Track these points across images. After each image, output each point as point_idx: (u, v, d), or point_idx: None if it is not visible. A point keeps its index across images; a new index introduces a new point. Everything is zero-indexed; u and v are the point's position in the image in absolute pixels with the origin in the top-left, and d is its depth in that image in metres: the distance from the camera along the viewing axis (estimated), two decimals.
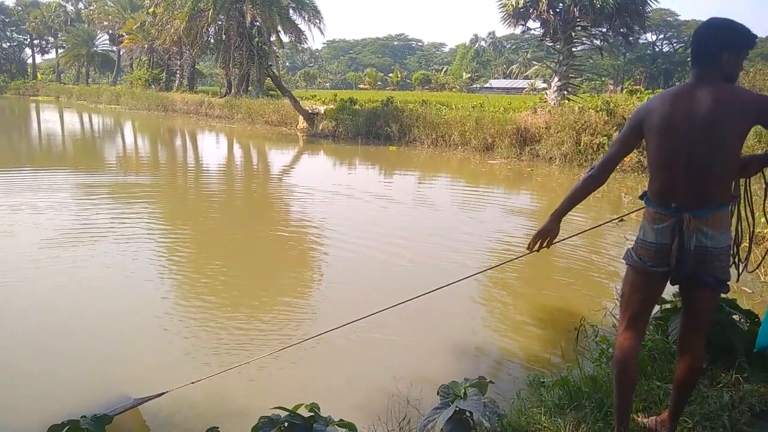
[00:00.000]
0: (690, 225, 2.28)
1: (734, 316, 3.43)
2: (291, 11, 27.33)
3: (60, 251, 7.18)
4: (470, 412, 2.58)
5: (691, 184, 2.28)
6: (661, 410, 2.82)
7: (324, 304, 5.79)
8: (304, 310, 5.65)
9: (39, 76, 72.72)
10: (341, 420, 2.61)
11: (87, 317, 5.29)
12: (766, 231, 6.86)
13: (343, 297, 5.93)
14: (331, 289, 6.21)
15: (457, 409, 2.58)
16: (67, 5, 66.44)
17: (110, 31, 56.09)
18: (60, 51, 66.64)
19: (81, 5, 65.89)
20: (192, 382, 3.11)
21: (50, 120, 33.05)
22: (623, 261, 2.53)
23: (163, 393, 3.41)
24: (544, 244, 2.71)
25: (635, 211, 2.65)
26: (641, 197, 2.49)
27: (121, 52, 54.32)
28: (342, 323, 3.79)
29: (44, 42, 71.53)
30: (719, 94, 2.22)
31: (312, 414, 2.57)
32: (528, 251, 2.75)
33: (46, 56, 77.26)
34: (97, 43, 60.11)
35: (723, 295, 3.48)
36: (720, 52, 2.25)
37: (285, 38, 29.31)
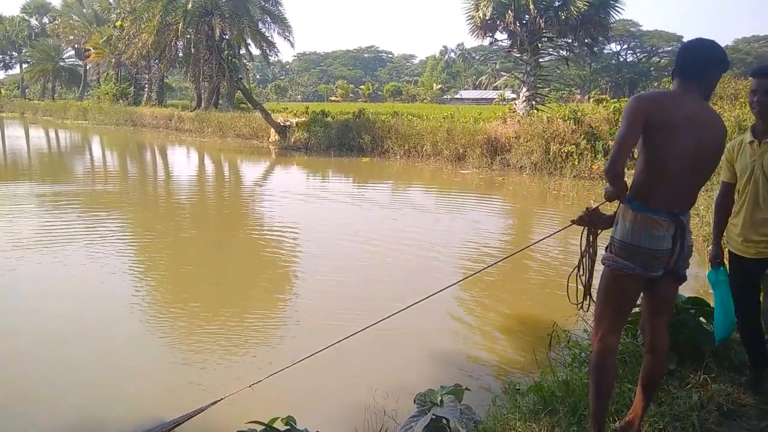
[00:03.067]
0: (686, 227, 2.40)
1: (701, 318, 3.52)
2: (260, 24, 27.25)
3: (32, 257, 7.29)
4: (447, 420, 2.60)
5: (689, 191, 2.42)
6: None
7: (308, 314, 5.79)
8: (295, 322, 5.65)
9: (3, 92, 71.06)
10: None
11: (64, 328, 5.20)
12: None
13: (326, 304, 5.97)
14: (312, 297, 6.20)
15: (434, 416, 2.60)
16: (31, 19, 65.18)
17: (76, 45, 55.09)
18: (24, 66, 65.25)
19: (45, 19, 64.67)
20: (249, 386, 3.02)
21: (15, 136, 32.29)
22: (609, 268, 2.46)
23: (217, 401, 3.21)
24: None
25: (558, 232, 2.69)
26: (627, 202, 2.41)
27: (88, 67, 53.45)
28: (324, 337, 3.79)
29: (8, 57, 70.01)
30: (713, 112, 2.44)
31: (288, 427, 2.56)
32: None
33: (10, 72, 75.62)
34: (63, 56, 59.02)
35: (689, 296, 3.60)
36: (712, 71, 2.43)
37: (255, 51, 29.23)
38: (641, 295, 2.61)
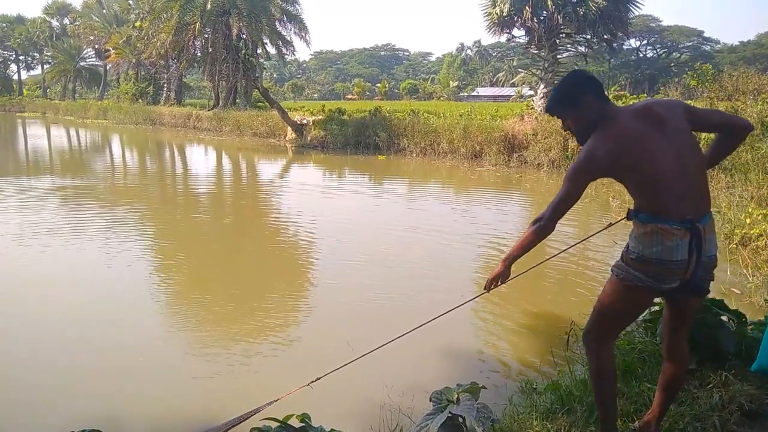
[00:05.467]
0: (704, 235, 2.25)
1: (722, 317, 3.45)
2: (277, 23, 27.32)
3: (55, 248, 7.67)
4: (463, 418, 2.58)
5: (695, 189, 2.28)
6: None
7: (340, 303, 5.82)
8: (324, 314, 5.73)
9: (25, 92, 72.10)
10: (333, 429, 2.60)
11: (74, 325, 5.27)
12: (752, 232, 6.93)
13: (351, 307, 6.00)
14: (339, 297, 6.22)
15: (450, 414, 2.58)
16: (52, 21, 65.98)
17: (96, 46, 55.73)
18: (46, 66, 66.22)
19: (66, 21, 65.43)
20: (309, 384, 3.03)
21: (38, 135, 32.86)
22: (618, 277, 2.35)
23: (273, 401, 3.17)
24: (499, 284, 2.69)
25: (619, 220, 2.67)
26: (633, 217, 2.33)
27: (108, 67, 54.05)
28: (357, 328, 3.77)
29: (30, 58, 71.02)
30: (644, 102, 2.45)
31: (303, 424, 2.56)
32: (485, 291, 2.74)
33: (32, 72, 76.74)
34: (83, 57, 59.81)
35: (710, 296, 3.52)
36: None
37: (271, 50, 29.32)
38: (665, 305, 2.52)
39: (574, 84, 2.44)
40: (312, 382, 2.98)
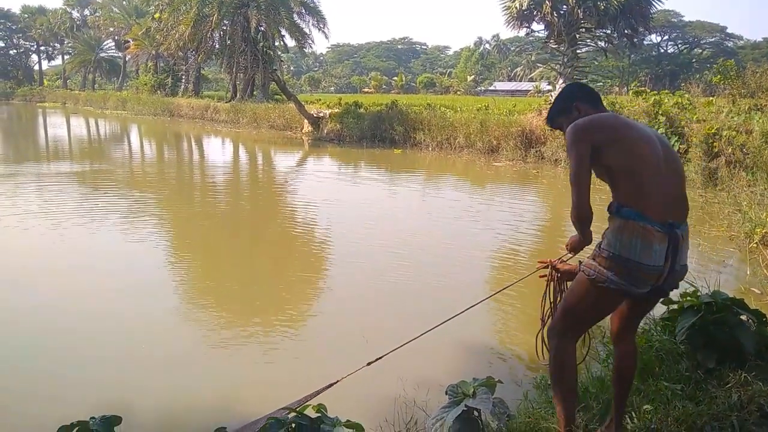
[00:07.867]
0: (682, 242, 2.23)
1: (741, 317, 3.41)
2: (295, 16, 27.34)
3: (78, 231, 8.02)
4: (478, 412, 2.58)
5: (677, 194, 2.29)
6: (669, 410, 2.80)
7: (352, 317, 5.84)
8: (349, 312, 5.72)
9: (45, 82, 73.07)
10: (348, 421, 2.61)
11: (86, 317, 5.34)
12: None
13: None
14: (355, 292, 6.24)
15: (466, 407, 2.58)
16: (72, 12, 66.70)
17: (116, 37, 56.28)
18: (66, 57, 67.01)
19: (87, 12, 66.13)
20: (368, 363, 3.08)
21: (57, 125, 33.33)
22: (589, 278, 2.29)
23: (333, 383, 3.14)
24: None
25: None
26: (615, 211, 2.28)
27: (127, 58, 54.54)
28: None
29: (50, 48, 71.88)
30: None
31: (319, 415, 2.57)
32: (571, 254, 2.74)
33: (53, 62, 77.80)
34: (103, 48, 60.44)
35: (731, 295, 3.48)
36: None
37: (290, 43, 29.36)
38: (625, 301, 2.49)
39: (566, 94, 2.57)
40: (371, 362, 3.08)
